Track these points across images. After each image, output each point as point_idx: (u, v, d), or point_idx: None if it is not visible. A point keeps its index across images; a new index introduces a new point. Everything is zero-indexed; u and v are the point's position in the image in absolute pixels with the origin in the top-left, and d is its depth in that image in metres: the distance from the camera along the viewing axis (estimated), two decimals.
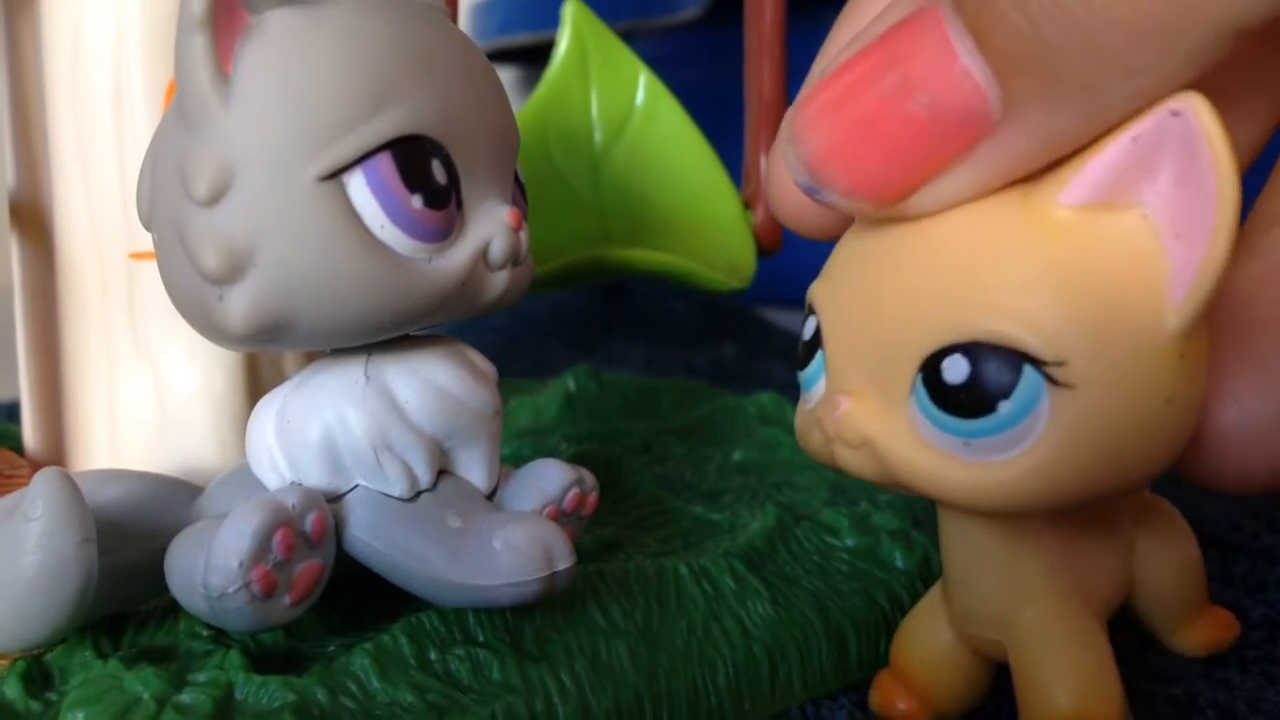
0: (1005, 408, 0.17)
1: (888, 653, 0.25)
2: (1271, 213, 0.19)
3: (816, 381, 0.20)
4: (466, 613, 0.22)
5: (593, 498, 0.24)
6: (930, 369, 0.17)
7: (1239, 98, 0.20)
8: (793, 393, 0.45)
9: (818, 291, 0.20)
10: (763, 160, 0.37)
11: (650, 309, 0.63)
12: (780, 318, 0.63)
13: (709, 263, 0.36)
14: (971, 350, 0.17)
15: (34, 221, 0.30)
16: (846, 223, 0.20)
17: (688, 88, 0.40)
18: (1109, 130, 0.16)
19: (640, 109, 0.37)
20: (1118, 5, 0.15)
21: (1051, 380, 0.16)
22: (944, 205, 0.17)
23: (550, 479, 0.23)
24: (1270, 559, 0.31)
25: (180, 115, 0.20)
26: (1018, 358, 0.16)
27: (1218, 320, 0.18)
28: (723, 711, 0.23)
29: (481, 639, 0.22)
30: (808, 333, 0.20)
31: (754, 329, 0.62)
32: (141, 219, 0.21)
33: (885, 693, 0.23)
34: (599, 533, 0.28)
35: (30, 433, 0.30)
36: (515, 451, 0.34)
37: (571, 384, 0.40)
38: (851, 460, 0.19)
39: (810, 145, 0.17)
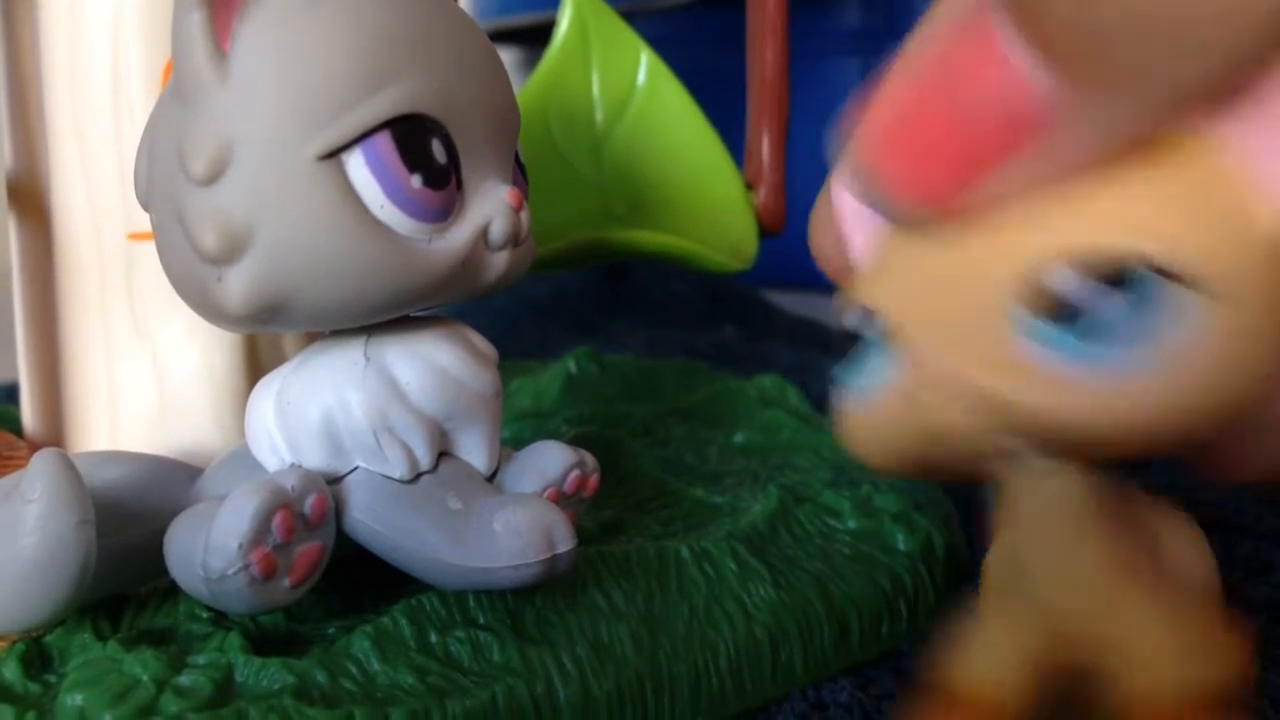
0: (1134, 313, 0.16)
1: (889, 635, 0.25)
2: None
3: (882, 376, 0.19)
4: (467, 595, 0.22)
5: (594, 480, 0.24)
6: (1036, 291, 0.17)
7: None
8: (794, 375, 0.45)
9: (876, 291, 0.19)
10: (764, 141, 0.36)
11: (652, 291, 0.63)
12: (782, 300, 0.63)
13: (711, 244, 0.35)
14: (1086, 265, 0.16)
15: (32, 202, 0.29)
16: None
17: (690, 68, 0.40)
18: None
19: (642, 89, 0.37)
20: None
21: (1169, 276, 0.16)
22: (1002, 204, 0.17)
23: (551, 461, 0.23)
24: (1274, 541, 0.31)
25: (178, 94, 0.19)
26: (1122, 260, 0.16)
27: None
28: (724, 694, 0.23)
29: (482, 621, 0.22)
30: (871, 329, 0.19)
31: (756, 311, 0.62)
32: (139, 199, 0.21)
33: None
34: (600, 515, 0.28)
35: (29, 414, 0.30)
36: (516, 434, 0.34)
37: (573, 366, 0.40)
38: (955, 420, 0.18)
39: (867, 159, 0.17)
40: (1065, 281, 0.16)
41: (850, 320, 0.20)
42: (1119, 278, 0.16)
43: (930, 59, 0.16)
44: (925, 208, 0.17)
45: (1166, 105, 0.15)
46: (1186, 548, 0.22)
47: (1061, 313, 0.16)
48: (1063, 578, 0.20)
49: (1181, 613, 0.20)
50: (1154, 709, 0.19)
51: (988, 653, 0.21)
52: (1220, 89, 0.15)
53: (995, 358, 0.17)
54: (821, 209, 0.22)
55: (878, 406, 0.19)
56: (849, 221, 0.21)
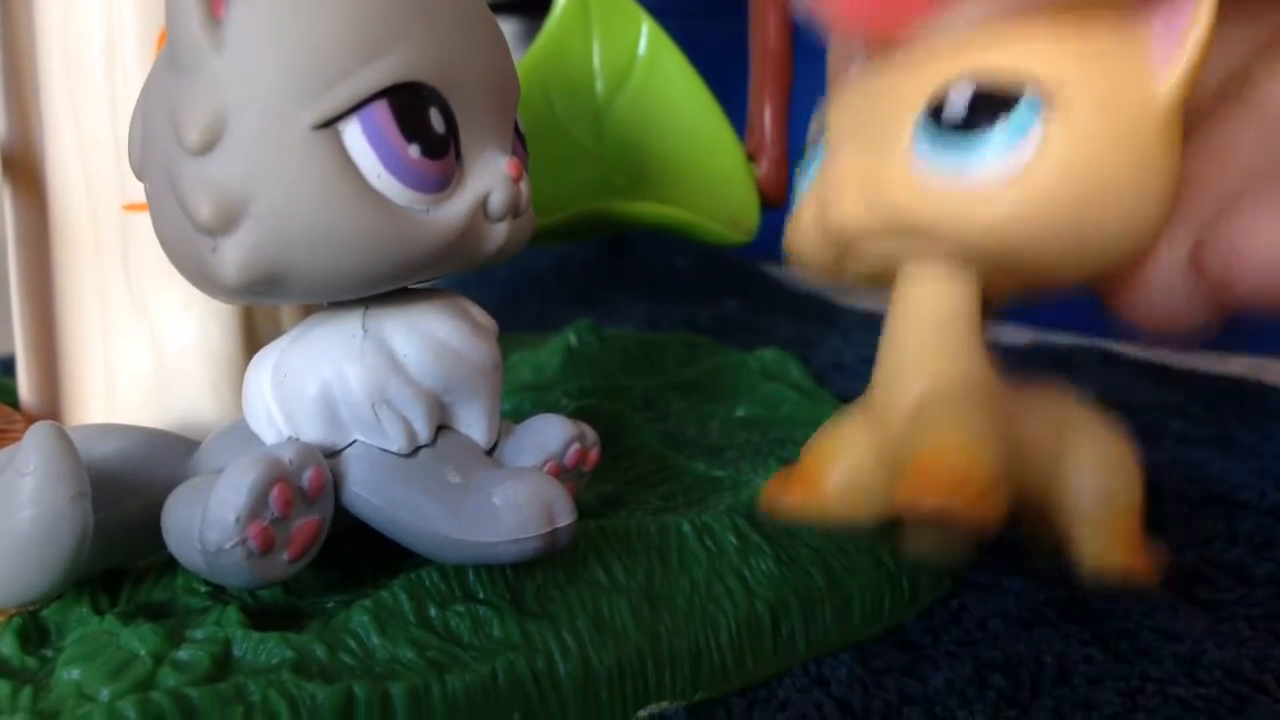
0: (1003, 132, 0.19)
1: (891, 611, 0.25)
2: None
3: (810, 172, 0.22)
4: (467, 569, 0.22)
5: (594, 454, 0.24)
6: (931, 111, 0.19)
7: None
8: (795, 348, 0.45)
9: (827, 108, 0.22)
10: (766, 113, 0.36)
11: (653, 264, 0.63)
12: (784, 273, 0.63)
13: (712, 216, 0.35)
14: (971, 83, 0.19)
15: (26, 173, 0.29)
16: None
17: (691, 38, 0.39)
18: None
19: (643, 59, 0.37)
20: None
21: (1046, 106, 0.18)
22: (935, 40, 0.20)
23: (551, 434, 0.23)
24: (1277, 516, 0.30)
25: (172, 62, 0.19)
26: (1014, 86, 0.19)
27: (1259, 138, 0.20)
28: (725, 669, 0.23)
29: (482, 596, 0.22)
30: (812, 132, 0.23)
31: (757, 284, 0.62)
32: (133, 169, 0.21)
33: (774, 488, 0.23)
34: (600, 489, 0.28)
35: (25, 387, 0.30)
36: (516, 407, 0.34)
37: (573, 339, 0.40)
38: (844, 209, 0.20)
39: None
40: (960, 93, 0.19)
41: (810, 133, 0.23)
42: (1002, 104, 0.19)
43: None
44: (864, 38, 0.20)
45: None
46: (1093, 441, 0.23)
47: (950, 124, 0.19)
48: (917, 372, 0.22)
49: (987, 424, 0.21)
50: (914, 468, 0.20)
51: (833, 443, 0.23)
52: None
53: (888, 161, 0.20)
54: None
55: (803, 206, 0.22)
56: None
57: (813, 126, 0.23)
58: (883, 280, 0.22)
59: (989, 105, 0.19)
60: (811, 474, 0.23)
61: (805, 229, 0.22)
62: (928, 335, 0.21)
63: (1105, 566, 0.22)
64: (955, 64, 0.19)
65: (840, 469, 0.23)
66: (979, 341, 0.22)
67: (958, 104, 0.19)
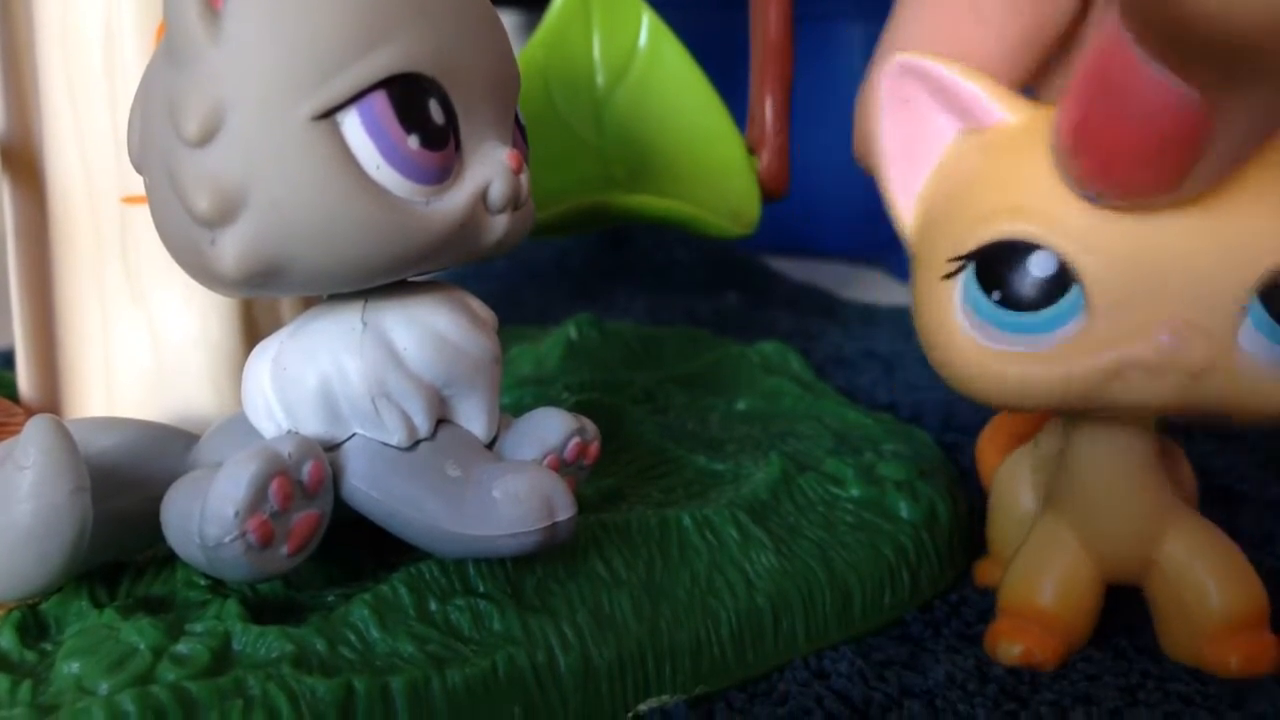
0: None
1: (892, 604, 0.25)
2: None
3: (1066, 322, 0.20)
4: (467, 563, 0.22)
5: (594, 447, 0.24)
6: (1270, 290, 0.19)
7: None
8: (796, 341, 0.45)
9: (1053, 236, 0.20)
10: (767, 105, 0.36)
11: (653, 257, 0.63)
12: (785, 265, 0.63)
13: (713, 208, 0.35)
14: None
15: (25, 166, 0.29)
16: None
17: (692, 30, 0.39)
18: None
19: (643, 51, 0.37)
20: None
21: None
22: (1209, 184, 0.19)
23: (551, 428, 0.23)
24: (1277, 510, 0.30)
25: (169, 53, 0.19)
26: None
27: None
28: (725, 662, 0.23)
29: (482, 589, 0.22)
30: (1047, 270, 0.20)
31: (758, 277, 0.61)
32: (132, 161, 0.21)
33: (1010, 638, 0.23)
34: (601, 483, 0.28)
35: (25, 380, 0.30)
36: (516, 400, 0.34)
37: (573, 332, 0.40)
38: (1169, 391, 0.20)
39: (1080, 166, 0.19)
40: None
41: (1034, 266, 0.20)
42: None
43: (1090, 63, 0.18)
44: (1148, 196, 0.19)
45: None
46: (1187, 471, 0.26)
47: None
48: (1130, 507, 0.23)
49: (1226, 543, 0.23)
50: (1200, 627, 0.22)
51: (1046, 572, 0.24)
52: None
53: (1220, 345, 0.19)
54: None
55: (1046, 353, 0.20)
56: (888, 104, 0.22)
57: (1024, 261, 0.20)
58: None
59: None
60: (1028, 607, 0.24)
61: (1033, 380, 0.20)
62: (1134, 464, 0.23)
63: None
64: (1269, 240, 0.19)
65: (1057, 590, 0.24)
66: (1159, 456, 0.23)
67: None
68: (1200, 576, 0.22)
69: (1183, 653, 0.23)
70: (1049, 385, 0.20)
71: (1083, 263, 0.20)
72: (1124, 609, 0.25)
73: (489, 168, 0.21)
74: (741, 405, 0.35)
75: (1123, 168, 0.18)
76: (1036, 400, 0.21)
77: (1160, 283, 0.19)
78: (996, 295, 0.20)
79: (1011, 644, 0.23)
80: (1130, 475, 0.23)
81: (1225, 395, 0.19)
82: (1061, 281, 0.20)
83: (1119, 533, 0.23)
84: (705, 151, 0.36)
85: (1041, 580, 0.24)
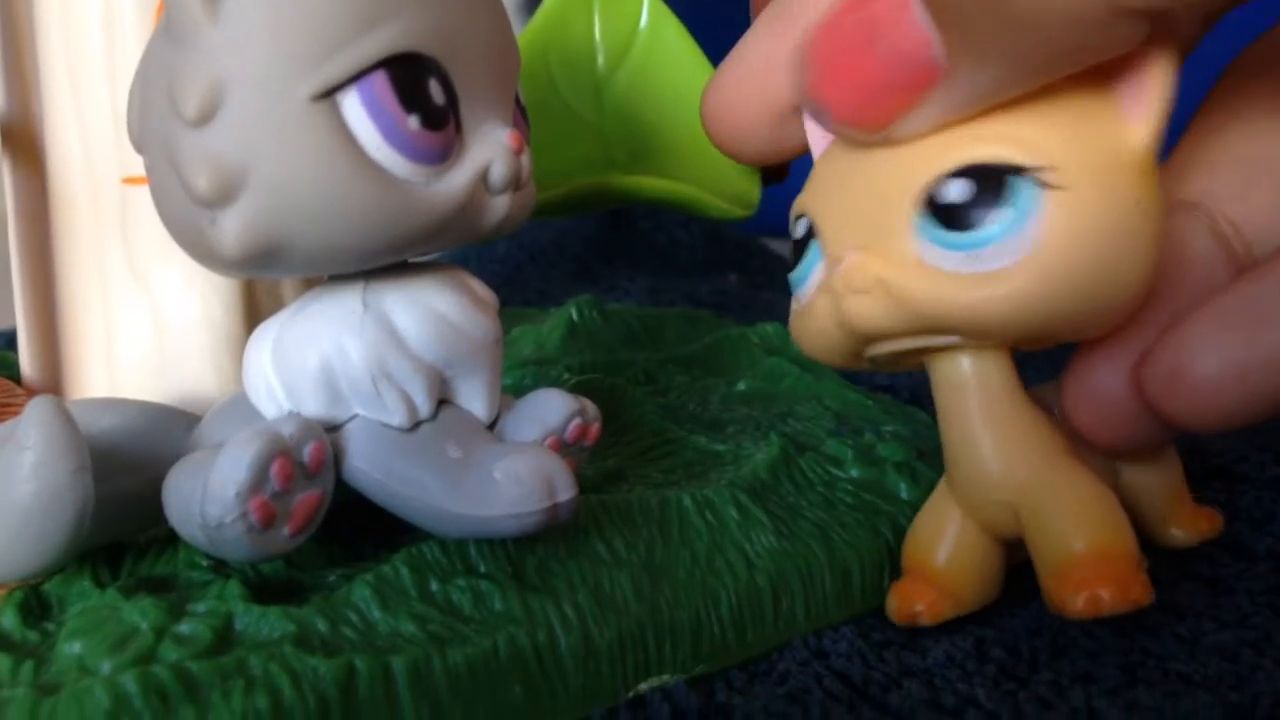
0: (1005, 214, 0.19)
1: (891, 584, 0.25)
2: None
3: (811, 272, 0.22)
4: (468, 543, 0.22)
5: (595, 428, 0.24)
6: (930, 201, 0.20)
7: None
8: None
9: (805, 197, 0.23)
10: None
11: (654, 238, 0.63)
12: (785, 247, 0.63)
13: (713, 190, 0.35)
14: (967, 172, 0.20)
15: (25, 146, 0.29)
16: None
17: (692, 11, 0.39)
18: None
19: (644, 32, 0.37)
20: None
21: (1042, 184, 0.19)
22: (917, 135, 0.20)
23: (552, 409, 0.23)
24: (1277, 490, 0.30)
25: (169, 33, 0.19)
26: (1009, 170, 0.19)
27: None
28: (725, 642, 0.23)
29: (483, 570, 0.22)
30: (799, 231, 0.23)
31: (758, 259, 0.61)
32: (132, 141, 0.21)
33: (903, 595, 0.24)
34: (601, 463, 0.28)
35: (27, 361, 0.30)
36: (517, 381, 0.34)
37: (574, 314, 0.40)
38: (863, 308, 0.21)
39: (804, 77, 0.21)
40: (954, 192, 0.20)
41: (794, 228, 0.23)
42: (1000, 188, 0.19)
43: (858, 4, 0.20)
44: (853, 129, 0.21)
45: (1024, 73, 0.19)
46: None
47: (950, 218, 0.20)
48: (981, 453, 0.22)
49: (1086, 482, 0.22)
50: (1058, 570, 0.21)
51: (931, 530, 0.24)
52: (1064, 59, 0.19)
53: (898, 256, 0.20)
54: (738, 89, 0.26)
55: (810, 302, 0.22)
56: (811, 132, 0.24)
57: (795, 221, 0.23)
58: (905, 363, 0.23)
59: (989, 190, 0.19)
60: (922, 566, 0.24)
61: (820, 328, 0.22)
62: (990, 411, 0.22)
63: (1182, 540, 0.25)
64: (946, 153, 0.20)
65: (946, 549, 0.23)
66: (1029, 398, 0.22)
67: (959, 192, 0.20)
68: (1055, 517, 0.21)
69: (1051, 600, 0.21)
70: (810, 338, 0.23)
71: (811, 209, 0.22)
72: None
73: (490, 148, 0.21)
74: (742, 386, 0.35)
75: (852, 90, 0.20)
76: (825, 355, 0.23)
77: (852, 213, 0.21)
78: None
79: (899, 598, 0.24)
80: (976, 417, 0.22)
81: (927, 309, 0.20)
82: (809, 234, 0.22)
83: (975, 481, 0.22)
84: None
85: (928, 538, 0.24)
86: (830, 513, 0.26)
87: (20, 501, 0.19)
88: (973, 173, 0.19)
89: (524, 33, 0.35)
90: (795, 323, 0.23)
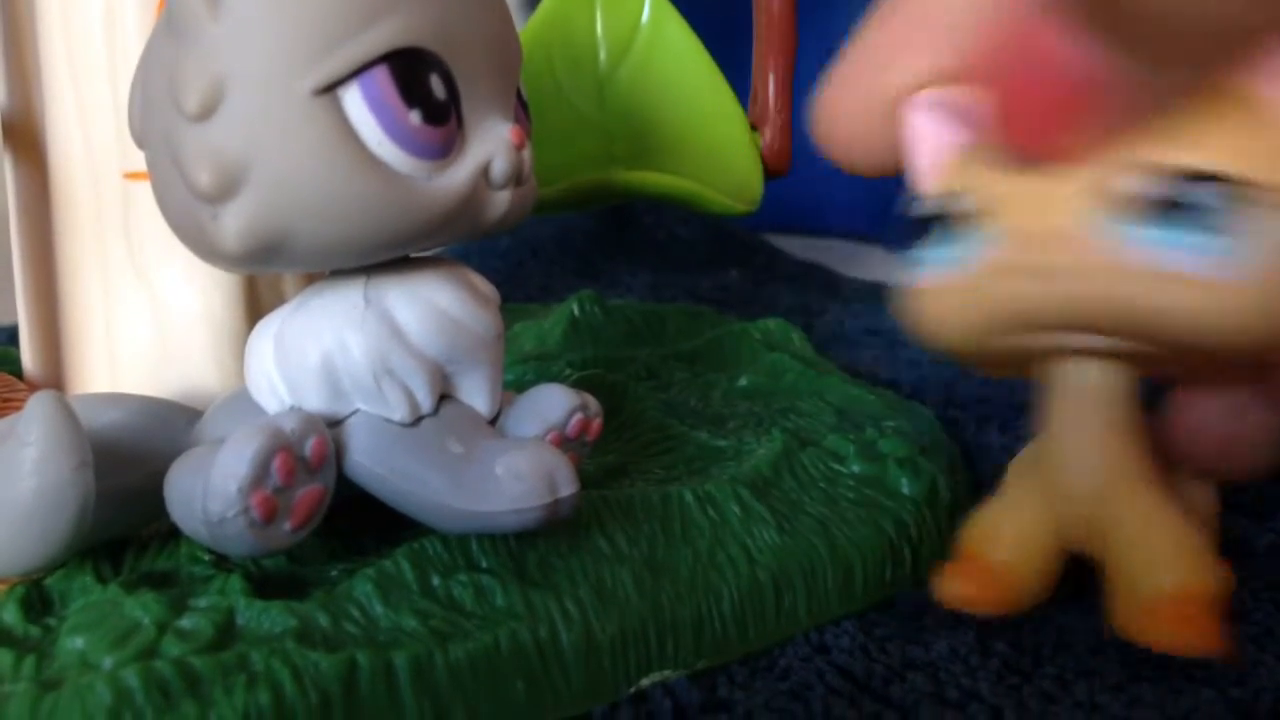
0: (1202, 213, 0.19)
1: (893, 579, 0.25)
2: None
3: (970, 251, 0.21)
4: (469, 538, 0.22)
5: (596, 424, 0.24)
6: (1129, 197, 0.19)
7: None
8: (798, 318, 0.45)
9: (963, 175, 0.22)
10: (770, 81, 0.36)
11: (656, 234, 0.63)
12: (786, 243, 0.63)
13: (715, 185, 0.35)
14: (1168, 171, 0.19)
15: (27, 141, 0.29)
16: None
17: (695, 6, 0.39)
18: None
19: (646, 28, 0.37)
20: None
21: (1237, 190, 0.19)
22: (1105, 148, 0.20)
23: (554, 405, 0.23)
24: (1278, 485, 0.30)
25: (170, 27, 0.19)
26: (1208, 173, 0.19)
27: None
28: (727, 638, 0.23)
29: (485, 565, 0.22)
30: (958, 206, 0.21)
31: (760, 254, 0.61)
32: (134, 136, 0.21)
33: (955, 580, 0.23)
34: (603, 459, 0.28)
35: (28, 356, 0.30)
36: (519, 377, 0.34)
37: (576, 309, 0.40)
38: (1032, 297, 0.20)
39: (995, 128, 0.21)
40: (1153, 185, 0.19)
41: (932, 203, 0.22)
42: (1201, 191, 0.19)
43: (1006, 41, 0.20)
44: (1026, 155, 0.20)
45: (1200, 69, 0.19)
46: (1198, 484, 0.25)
47: (1151, 212, 0.19)
48: (1087, 463, 0.22)
49: (1182, 521, 0.22)
50: (1143, 603, 0.21)
51: (998, 524, 0.23)
52: (1238, 56, 0.19)
53: (1087, 255, 0.20)
54: (845, 99, 0.25)
55: (954, 283, 0.21)
56: (919, 132, 0.24)
57: (948, 198, 0.22)
58: (1026, 364, 0.23)
59: (1186, 194, 0.19)
60: (983, 556, 0.23)
61: (957, 310, 0.22)
62: (1107, 425, 0.22)
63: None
64: (1127, 159, 0.20)
65: (1012, 546, 0.23)
66: (1142, 423, 0.22)
67: (1159, 190, 0.19)
68: (1145, 548, 0.22)
69: (1124, 626, 0.22)
70: (955, 317, 0.22)
71: (980, 187, 0.21)
72: None
73: (491, 144, 0.21)
74: (743, 382, 0.35)
75: (1039, 123, 0.20)
76: (960, 336, 0.22)
77: (1046, 199, 0.20)
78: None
79: (953, 582, 0.23)
80: (1090, 428, 0.22)
81: (1141, 305, 0.19)
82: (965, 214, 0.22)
83: (1074, 489, 0.22)
84: (708, 128, 0.36)
85: (997, 531, 0.23)
86: (832, 508, 0.26)
87: (22, 497, 0.19)
88: (1174, 174, 0.19)
89: (526, 28, 0.35)
90: (929, 298, 0.22)
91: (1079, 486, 0.22)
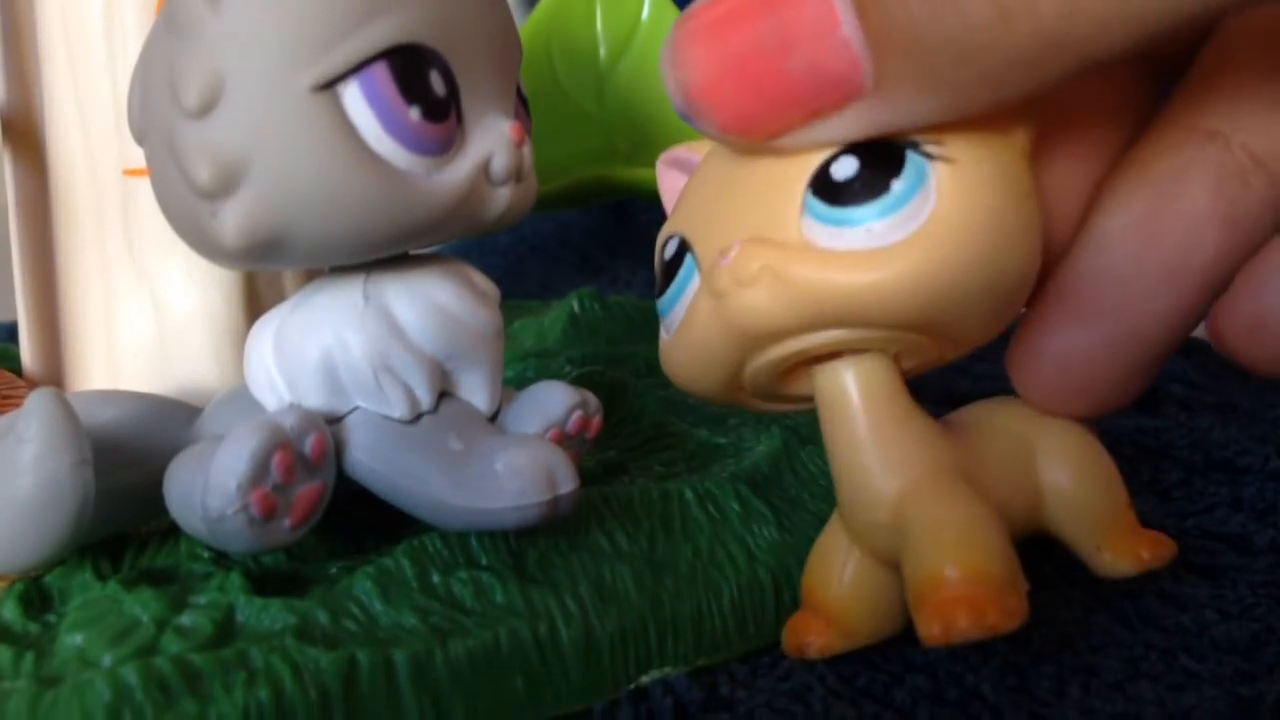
0: (897, 185, 0.18)
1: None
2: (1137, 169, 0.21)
3: (685, 289, 0.20)
4: (469, 536, 0.22)
5: (596, 420, 0.24)
6: (819, 181, 0.19)
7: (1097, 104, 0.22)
8: None
9: (675, 219, 0.21)
10: None
11: (655, 230, 0.63)
12: None
13: None
14: (854, 148, 0.19)
15: (26, 137, 0.29)
16: None
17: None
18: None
19: (645, 24, 0.37)
20: (991, 29, 0.16)
21: (930, 156, 0.18)
22: (808, 148, 0.19)
23: (553, 401, 0.23)
24: (1278, 483, 0.30)
25: (170, 24, 0.19)
26: (899, 144, 0.18)
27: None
28: (727, 635, 0.23)
29: (484, 562, 0.22)
30: (669, 252, 0.21)
31: None
32: (133, 132, 0.21)
33: (793, 628, 0.22)
34: (603, 456, 0.28)
35: (28, 353, 0.30)
36: (519, 374, 0.34)
37: (576, 306, 0.40)
38: (752, 302, 0.19)
39: (687, 76, 0.18)
40: (843, 168, 0.19)
41: (662, 252, 0.21)
42: (888, 161, 0.18)
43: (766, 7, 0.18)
44: (742, 137, 0.19)
45: (965, 114, 0.18)
46: (1064, 442, 0.23)
47: (840, 195, 0.19)
48: (848, 473, 0.21)
49: (955, 500, 0.20)
50: (921, 595, 0.19)
51: (825, 563, 0.22)
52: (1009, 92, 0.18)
53: (787, 241, 0.19)
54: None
55: (687, 317, 0.20)
56: (664, 187, 0.24)
57: (663, 245, 0.21)
58: (787, 388, 0.22)
59: (877, 164, 0.18)
60: (815, 597, 0.22)
61: (700, 339, 0.20)
62: (872, 425, 0.20)
63: (1118, 568, 0.23)
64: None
65: (836, 581, 0.22)
66: (919, 412, 0.21)
67: (847, 168, 0.19)
68: (918, 534, 0.19)
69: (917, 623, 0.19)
70: (687, 359, 0.21)
71: (684, 226, 0.21)
72: (1123, 581, 0.25)
73: (491, 140, 0.21)
74: None
75: (747, 99, 0.18)
76: (701, 377, 0.21)
77: (734, 214, 0.20)
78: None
79: (791, 632, 0.22)
80: (850, 431, 0.21)
81: (818, 292, 0.19)
82: (680, 254, 0.21)
83: (854, 499, 0.21)
84: None
85: (821, 568, 0.22)
86: (832, 505, 0.26)
87: (21, 494, 0.19)
88: (859, 148, 0.18)
89: (526, 24, 0.35)
90: (668, 351, 0.21)
91: (860, 497, 0.21)
